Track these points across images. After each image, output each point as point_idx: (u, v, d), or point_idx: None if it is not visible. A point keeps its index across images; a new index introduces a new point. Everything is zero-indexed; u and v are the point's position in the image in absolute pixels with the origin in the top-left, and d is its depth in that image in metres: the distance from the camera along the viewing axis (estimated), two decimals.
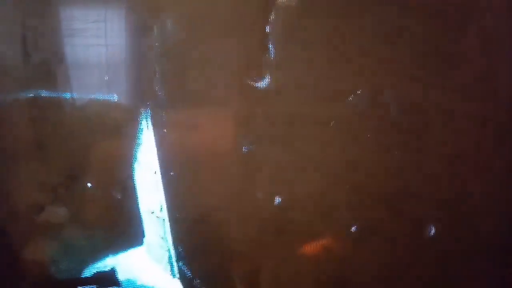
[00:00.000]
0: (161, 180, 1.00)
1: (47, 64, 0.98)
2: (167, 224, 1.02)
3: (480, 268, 0.94)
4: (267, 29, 0.92)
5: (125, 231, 1.05)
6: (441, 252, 0.95)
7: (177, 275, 1.05)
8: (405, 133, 0.94)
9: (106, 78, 0.99)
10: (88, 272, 1.05)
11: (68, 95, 1.00)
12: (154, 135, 0.99)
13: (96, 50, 0.98)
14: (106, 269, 1.06)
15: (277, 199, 0.99)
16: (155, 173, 1.00)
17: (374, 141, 0.94)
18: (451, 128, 0.93)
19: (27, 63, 0.97)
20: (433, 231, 0.94)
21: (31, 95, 0.98)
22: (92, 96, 1.01)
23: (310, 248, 1.00)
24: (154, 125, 0.99)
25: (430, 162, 0.94)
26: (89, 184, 1.01)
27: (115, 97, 1.00)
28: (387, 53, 0.91)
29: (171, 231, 1.02)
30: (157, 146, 1.00)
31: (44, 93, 0.99)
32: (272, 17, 0.91)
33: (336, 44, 0.92)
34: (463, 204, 0.93)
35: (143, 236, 1.04)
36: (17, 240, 1.04)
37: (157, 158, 1.00)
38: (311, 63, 0.93)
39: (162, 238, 1.03)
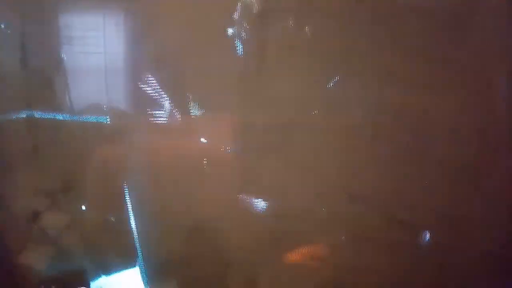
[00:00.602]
0: (156, 187, 1.00)
1: (44, 71, 0.99)
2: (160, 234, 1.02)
3: (477, 276, 0.93)
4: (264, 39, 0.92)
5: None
6: (437, 260, 0.93)
7: None
8: (401, 142, 0.93)
9: (104, 85, 0.99)
10: (83, 280, 1.05)
11: (65, 102, 1.00)
12: (150, 142, 0.99)
13: (94, 57, 0.98)
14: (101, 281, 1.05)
15: (273, 208, 0.98)
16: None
17: (369, 149, 0.93)
18: (447, 137, 0.91)
19: (25, 71, 0.98)
20: (429, 239, 0.93)
21: (29, 102, 0.99)
22: (90, 103, 1.01)
23: (306, 256, 0.99)
24: (150, 132, 0.99)
25: (426, 171, 0.92)
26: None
27: (112, 104, 1.00)
28: (383, 62, 0.91)
29: (165, 241, 1.02)
30: (153, 153, 0.99)
31: (41, 100, 1.00)
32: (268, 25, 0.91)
33: (333, 52, 0.92)
34: (459, 213, 0.92)
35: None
36: (14, 246, 1.05)
37: (153, 165, 1.00)
38: (306, 71, 0.93)
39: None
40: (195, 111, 0.98)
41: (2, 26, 0.97)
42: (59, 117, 1.00)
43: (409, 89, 0.91)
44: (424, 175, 0.93)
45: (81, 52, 0.99)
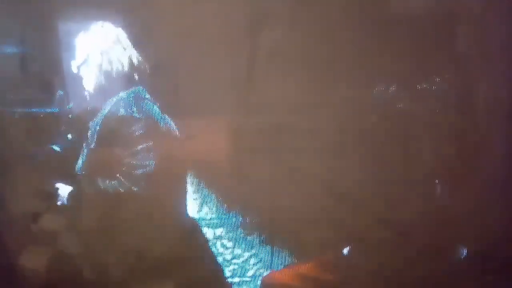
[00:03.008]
0: (153, 189, 1.03)
1: (44, 74, 1.01)
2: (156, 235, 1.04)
3: (466, 274, 0.96)
4: (255, 43, 0.95)
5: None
6: (423, 259, 0.96)
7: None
8: (391, 143, 0.96)
9: (103, 89, 1.02)
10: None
11: (65, 105, 1.03)
12: (147, 145, 1.02)
13: (92, 62, 1.01)
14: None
15: (268, 210, 1.01)
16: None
17: (356, 151, 0.97)
18: (435, 138, 0.95)
19: (24, 73, 1.01)
20: (419, 240, 0.96)
21: (28, 104, 1.01)
22: (88, 106, 1.04)
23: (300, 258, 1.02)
24: (147, 134, 1.02)
25: (411, 172, 0.96)
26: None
27: (110, 107, 1.03)
28: (369, 66, 0.94)
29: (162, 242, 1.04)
30: (152, 155, 1.02)
31: (40, 103, 1.02)
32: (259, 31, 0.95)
33: (323, 56, 0.95)
34: (444, 213, 0.95)
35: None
36: (13, 247, 1.05)
37: (152, 167, 1.02)
38: (299, 74, 0.96)
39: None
40: (189, 114, 1.01)
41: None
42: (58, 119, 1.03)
43: (394, 92, 0.95)
44: (409, 176, 0.97)
45: (80, 56, 1.02)
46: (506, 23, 0.93)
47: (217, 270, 1.05)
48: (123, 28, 1.00)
